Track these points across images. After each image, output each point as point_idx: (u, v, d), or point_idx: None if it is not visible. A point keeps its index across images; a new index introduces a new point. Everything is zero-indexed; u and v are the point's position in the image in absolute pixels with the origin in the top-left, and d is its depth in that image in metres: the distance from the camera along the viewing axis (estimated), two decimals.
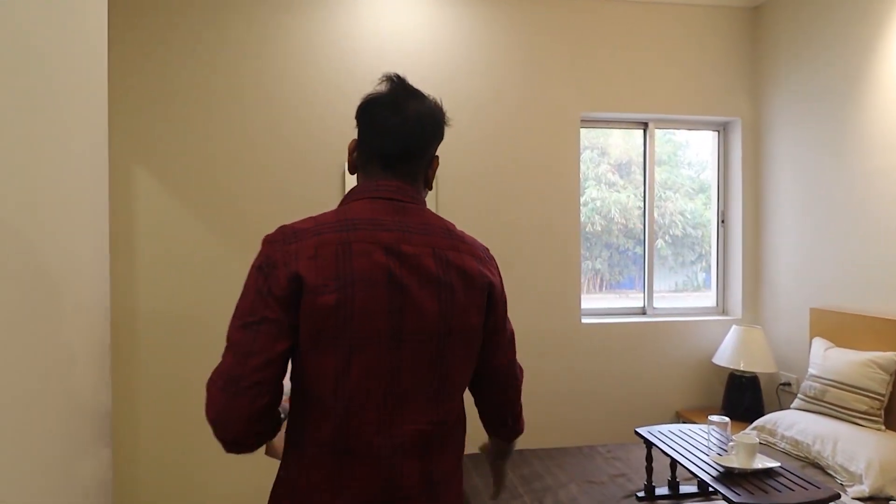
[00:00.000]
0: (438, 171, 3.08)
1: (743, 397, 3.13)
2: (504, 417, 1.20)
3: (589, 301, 3.43)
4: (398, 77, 1.09)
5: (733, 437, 1.81)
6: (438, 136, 1.11)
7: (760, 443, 2.70)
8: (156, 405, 2.89)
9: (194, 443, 2.91)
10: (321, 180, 3.00)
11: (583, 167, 3.45)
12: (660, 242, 3.58)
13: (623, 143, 3.56)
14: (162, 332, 2.90)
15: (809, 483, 1.73)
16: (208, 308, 2.91)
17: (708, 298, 3.63)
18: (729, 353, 3.16)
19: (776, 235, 3.29)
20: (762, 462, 1.80)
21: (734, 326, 3.20)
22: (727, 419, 1.97)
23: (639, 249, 3.52)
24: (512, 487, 2.28)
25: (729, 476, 1.78)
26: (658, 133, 3.51)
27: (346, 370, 0.95)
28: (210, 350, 2.88)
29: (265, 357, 0.92)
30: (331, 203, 3.00)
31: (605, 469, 2.43)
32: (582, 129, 3.42)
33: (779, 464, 1.83)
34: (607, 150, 3.55)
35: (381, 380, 0.97)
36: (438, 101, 1.14)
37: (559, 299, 3.24)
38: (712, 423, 1.97)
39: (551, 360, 3.23)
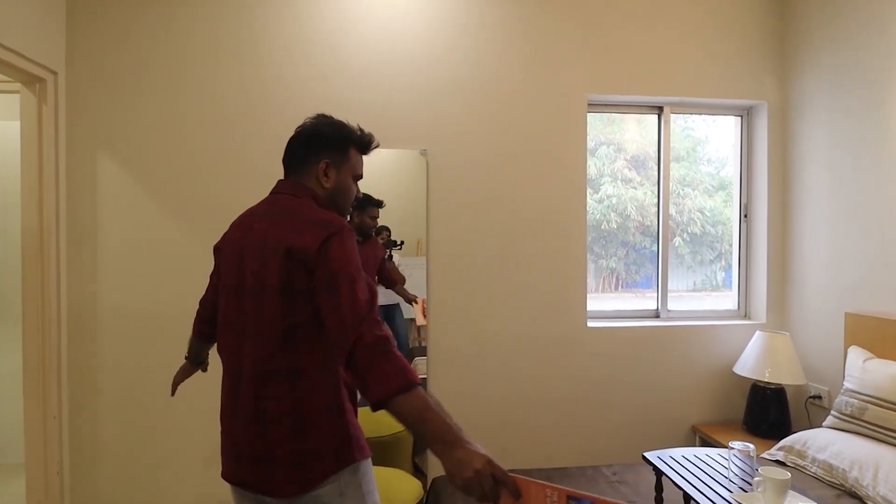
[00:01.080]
0: (429, 163, 2.82)
1: (767, 412, 2.81)
2: (359, 382, 1.14)
3: (604, 301, 3.16)
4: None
5: (759, 470, 1.50)
6: (313, 148, 1.42)
7: (787, 465, 2.39)
8: (117, 398, 2.68)
9: (156, 436, 2.69)
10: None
11: (598, 163, 3.17)
12: (677, 240, 3.28)
13: (640, 137, 3.26)
14: (123, 324, 2.68)
15: None
16: (170, 299, 2.68)
17: (728, 300, 3.30)
18: (752, 361, 2.84)
19: (806, 231, 2.95)
20: (795, 502, 1.50)
21: (758, 332, 2.88)
22: (751, 446, 1.67)
23: (656, 248, 3.22)
24: None
25: None
26: (676, 128, 3.19)
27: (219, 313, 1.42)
28: (171, 342, 2.63)
29: None
30: None
31: (609, 495, 2.14)
32: (593, 116, 3.13)
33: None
34: (623, 145, 3.26)
35: (231, 322, 1.35)
36: (326, 121, 1.48)
37: (562, 300, 2.94)
38: (734, 449, 1.66)
39: (552, 368, 2.94)
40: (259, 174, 2.61)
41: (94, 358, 2.67)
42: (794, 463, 2.37)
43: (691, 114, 3.20)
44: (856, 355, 2.45)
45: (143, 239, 2.68)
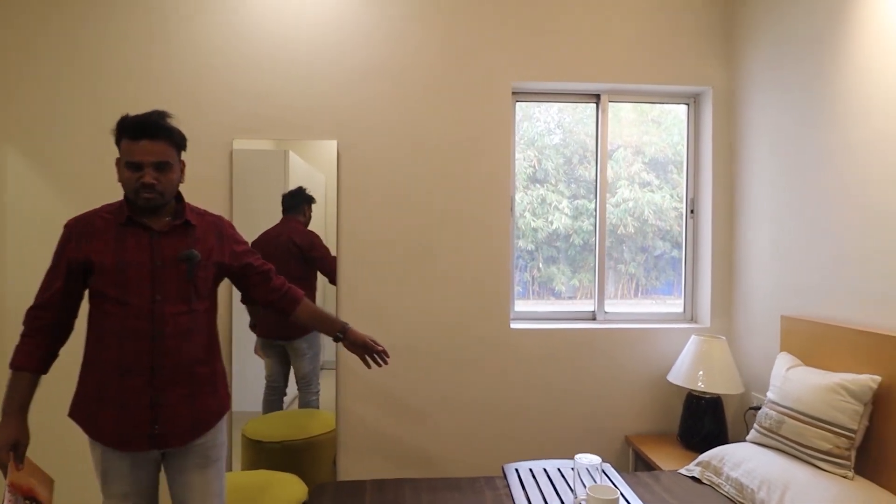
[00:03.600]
0: (340, 154, 2.69)
1: (701, 423, 2.58)
2: None
3: (621, 307, 3.01)
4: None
5: (587, 489, 1.31)
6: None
7: (703, 482, 2.17)
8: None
9: (63, 437, 2.61)
10: (208, 160, 2.64)
11: (616, 166, 3.01)
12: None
13: (659, 140, 3.06)
14: None
15: None
16: None
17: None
18: (685, 368, 2.61)
19: (749, 229, 2.71)
20: None
21: (693, 337, 2.65)
22: (597, 459, 1.47)
23: (676, 253, 3.06)
24: None
25: None
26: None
27: None
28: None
29: None
30: (215, 183, 2.64)
31: None
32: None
33: None
34: (642, 147, 3.06)
35: None
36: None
37: (485, 300, 2.76)
38: (579, 464, 1.47)
39: (471, 371, 2.76)
40: None
41: (4, 358, 2.62)
42: (709, 480, 2.15)
43: (632, 102, 2.99)
44: (782, 362, 2.21)
45: (53, 236, 2.62)
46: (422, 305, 2.74)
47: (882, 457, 1.89)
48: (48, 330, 1.57)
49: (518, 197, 2.98)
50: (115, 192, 2.60)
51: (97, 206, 2.60)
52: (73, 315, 1.64)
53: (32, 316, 1.57)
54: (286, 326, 2.66)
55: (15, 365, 1.53)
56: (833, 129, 2.18)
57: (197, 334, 1.61)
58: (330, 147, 2.69)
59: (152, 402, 1.53)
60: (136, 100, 2.63)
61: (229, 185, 2.65)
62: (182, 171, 1.64)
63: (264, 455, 2.66)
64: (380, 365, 1.87)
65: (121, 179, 1.54)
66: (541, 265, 3.04)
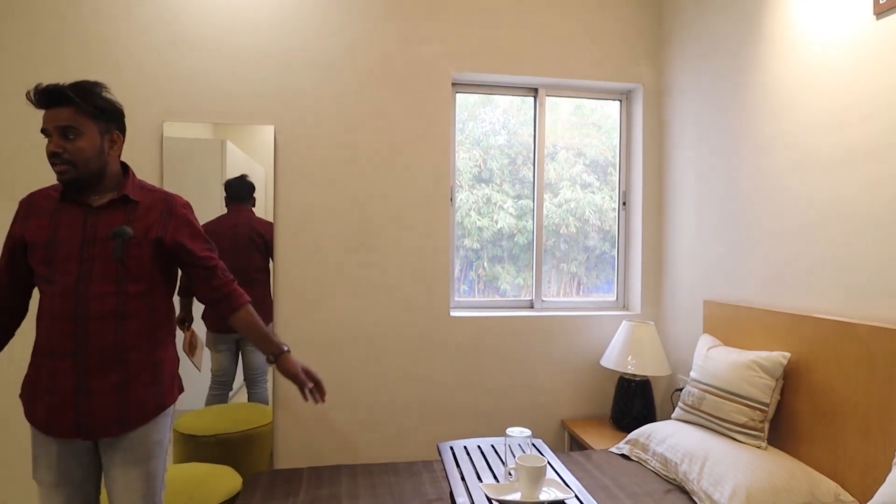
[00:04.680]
0: (277, 141, 2.65)
1: (632, 405, 2.69)
2: None
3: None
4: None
5: (516, 458, 1.35)
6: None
7: (632, 459, 2.26)
8: None
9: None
10: (135, 143, 2.53)
11: (558, 167, 3.05)
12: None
13: (599, 142, 3.13)
14: None
15: None
16: None
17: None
18: (616, 353, 2.71)
19: (676, 219, 2.85)
20: (550, 493, 1.35)
21: (624, 322, 2.76)
22: (528, 431, 1.51)
23: (616, 252, 3.13)
24: None
25: None
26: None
27: None
28: None
29: None
30: (141, 168, 2.54)
31: (425, 491, 1.97)
32: (551, 120, 2.98)
33: (571, 494, 1.37)
34: (583, 150, 3.12)
35: None
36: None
37: (424, 289, 2.78)
38: (511, 437, 1.51)
39: (409, 360, 2.77)
40: None
41: None
42: (637, 456, 2.25)
43: (568, 97, 3.08)
44: (703, 343, 2.34)
45: None
46: (361, 294, 2.73)
47: (792, 428, 2.03)
48: None
49: (464, 196, 3.02)
50: (34, 176, 2.47)
51: (13, 192, 2.49)
52: (25, 295, 1.58)
53: None
54: None
55: None
56: (747, 122, 2.33)
57: (132, 319, 1.50)
58: (266, 137, 2.64)
59: (77, 387, 1.45)
60: (52, 76, 2.50)
61: (159, 172, 2.55)
62: (114, 144, 1.53)
63: (198, 450, 2.58)
64: (316, 402, 1.71)
65: None
66: (486, 264, 3.08)
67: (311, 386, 1.69)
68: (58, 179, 1.46)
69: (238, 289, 1.68)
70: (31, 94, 1.43)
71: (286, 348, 1.69)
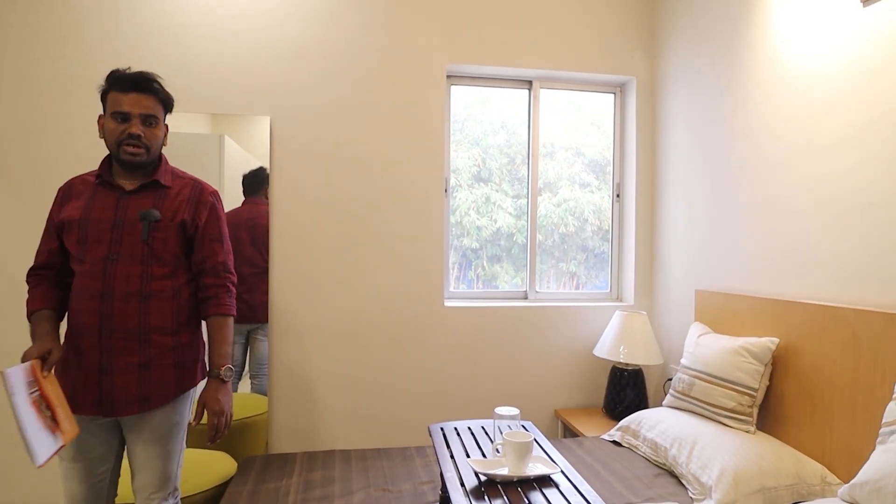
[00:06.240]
0: (273, 132, 2.67)
1: (624, 394, 2.71)
2: None
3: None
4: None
5: (503, 434, 1.37)
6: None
7: (623, 445, 2.29)
8: None
9: None
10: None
11: (557, 167, 3.07)
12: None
13: (598, 142, 3.14)
14: None
15: (585, 498, 1.30)
16: None
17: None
18: (609, 342, 2.74)
19: (669, 210, 2.87)
20: (536, 468, 1.37)
21: (617, 312, 2.78)
22: (516, 411, 1.53)
23: (610, 250, 3.15)
24: (281, 495, 1.83)
25: (491, 486, 1.35)
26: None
27: None
28: None
29: None
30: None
31: (417, 474, 1.99)
32: (552, 119, 3.00)
33: (558, 469, 1.39)
34: (582, 149, 3.14)
35: None
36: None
37: (419, 278, 2.80)
38: (499, 416, 1.53)
39: (404, 349, 2.79)
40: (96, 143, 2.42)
41: None
42: (628, 443, 2.27)
43: (562, 89, 3.11)
44: (694, 331, 2.37)
45: None
46: (356, 283, 2.75)
47: (780, 412, 2.05)
48: (51, 280, 1.59)
49: (463, 195, 3.04)
50: (31, 167, 2.49)
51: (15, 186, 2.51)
52: (73, 274, 1.62)
53: (33, 275, 1.60)
54: (254, 309, 2.63)
55: (29, 310, 1.54)
56: (736, 113, 2.35)
57: (155, 300, 1.54)
58: (263, 130, 2.66)
59: (101, 366, 1.49)
60: (49, 67, 2.52)
61: None
62: (165, 135, 1.64)
63: (193, 438, 2.60)
64: (210, 442, 1.56)
65: (104, 134, 1.55)
66: (485, 263, 3.10)
67: (195, 424, 1.59)
68: (128, 160, 1.53)
69: (223, 296, 1.64)
70: (118, 76, 1.52)
71: (225, 378, 1.58)
